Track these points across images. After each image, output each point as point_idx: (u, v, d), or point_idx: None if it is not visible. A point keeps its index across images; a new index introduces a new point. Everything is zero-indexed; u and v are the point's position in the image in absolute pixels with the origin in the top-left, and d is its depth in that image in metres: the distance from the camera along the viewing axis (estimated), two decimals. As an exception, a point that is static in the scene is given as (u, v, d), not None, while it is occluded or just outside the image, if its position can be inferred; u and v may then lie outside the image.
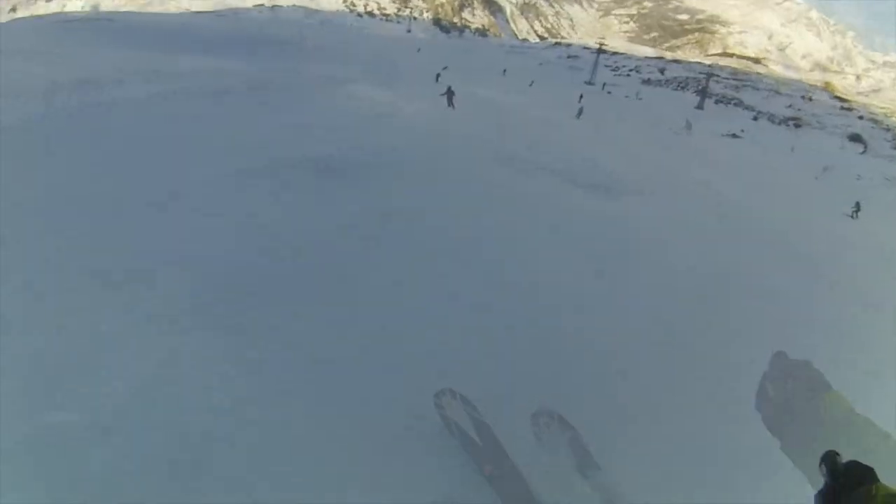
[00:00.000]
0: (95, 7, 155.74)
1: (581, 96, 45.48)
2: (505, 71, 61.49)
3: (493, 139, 16.00)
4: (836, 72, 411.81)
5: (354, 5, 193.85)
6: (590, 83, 69.55)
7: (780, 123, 64.59)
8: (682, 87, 75.55)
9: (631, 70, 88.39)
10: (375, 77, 29.50)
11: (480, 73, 54.67)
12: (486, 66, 65.10)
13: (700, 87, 73.90)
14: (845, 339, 7.13)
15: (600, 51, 78.45)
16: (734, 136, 47.33)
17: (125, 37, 33.08)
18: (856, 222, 22.33)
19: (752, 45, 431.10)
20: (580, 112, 34.20)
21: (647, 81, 78.30)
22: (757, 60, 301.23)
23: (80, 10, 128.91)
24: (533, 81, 55.61)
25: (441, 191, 9.68)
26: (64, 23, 35.46)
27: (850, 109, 77.50)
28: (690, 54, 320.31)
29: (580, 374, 4.96)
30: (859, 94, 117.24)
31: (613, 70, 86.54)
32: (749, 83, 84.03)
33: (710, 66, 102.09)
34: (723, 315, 7.02)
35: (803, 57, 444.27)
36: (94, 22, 39.70)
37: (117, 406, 3.58)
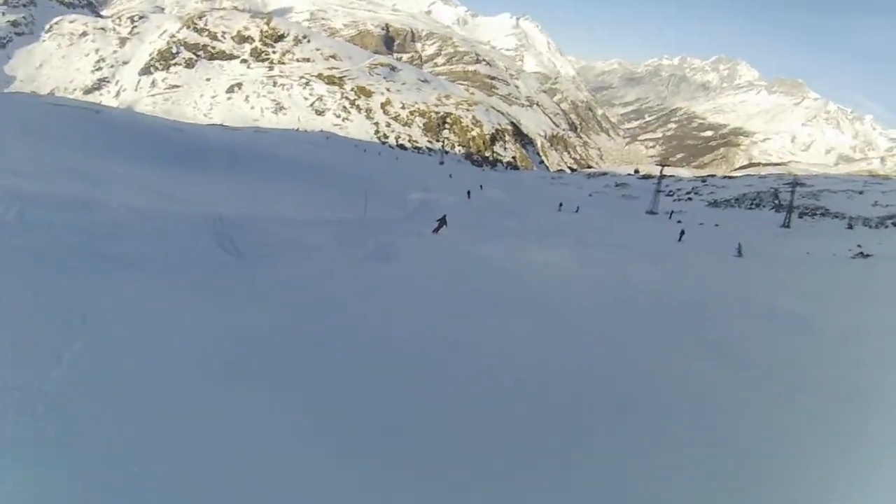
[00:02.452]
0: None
1: (682, 233, 40.15)
2: (561, 205, 54.99)
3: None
4: (860, 159, 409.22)
5: (386, 137, 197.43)
6: (652, 212, 62.49)
7: (877, 227, 55.59)
8: (757, 205, 67.64)
9: (688, 193, 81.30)
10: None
11: (539, 209, 49.26)
12: (538, 200, 59.60)
13: (777, 203, 66.21)
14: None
15: (662, 176, 71.91)
16: (863, 255, 38.58)
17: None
18: None
19: (775, 150, 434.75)
20: (739, 251, 33.35)
21: (713, 203, 70.64)
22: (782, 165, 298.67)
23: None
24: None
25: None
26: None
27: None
28: (717, 170, 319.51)
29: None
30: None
31: (668, 195, 79.60)
32: (824, 187, 75.65)
33: (764, 177, 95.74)
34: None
35: (827, 152, 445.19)
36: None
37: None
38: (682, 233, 39.72)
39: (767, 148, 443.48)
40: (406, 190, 42.36)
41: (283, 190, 33.43)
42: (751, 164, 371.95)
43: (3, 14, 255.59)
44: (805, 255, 37.02)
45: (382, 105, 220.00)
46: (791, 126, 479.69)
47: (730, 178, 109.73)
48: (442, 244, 20.91)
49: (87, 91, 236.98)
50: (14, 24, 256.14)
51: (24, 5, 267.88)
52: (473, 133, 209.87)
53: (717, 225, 54.19)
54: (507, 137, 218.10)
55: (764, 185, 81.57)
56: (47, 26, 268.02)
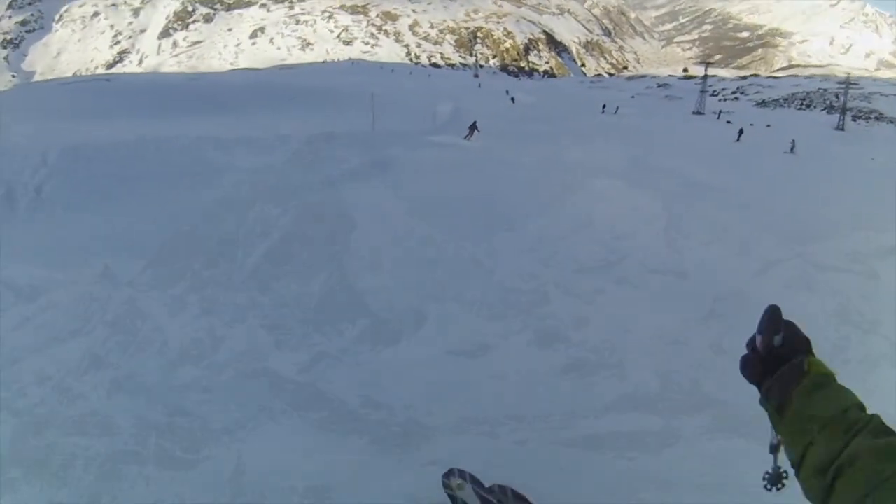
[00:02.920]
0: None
1: (741, 132, 38.20)
2: (604, 107, 53.58)
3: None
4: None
5: (418, 57, 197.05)
6: (699, 112, 61.01)
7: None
8: (808, 106, 65.57)
9: (734, 93, 79.06)
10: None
11: (580, 113, 47.73)
12: (579, 105, 57.77)
13: (829, 104, 64.09)
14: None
15: (706, 76, 69.55)
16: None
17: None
18: None
19: (814, 52, 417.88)
20: (792, 148, 32.77)
21: (762, 103, 68.68)
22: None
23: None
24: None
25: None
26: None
27: None
28: (758, 70, 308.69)
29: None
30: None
31: (713, 94, 77.46)
32: (874, 90, 72.67)
33: (811, 77, 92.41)
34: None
35: (867, 56, 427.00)
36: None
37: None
38: (741, 132, 38.24)
39: (806, 49, 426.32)
40: (435, 103, 40.20)
41: (292, 117, 29.73)
42: (791, 66, 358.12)
43: (11, 17, 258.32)
44: (870, 162, 35.57)
45: (410, 27, 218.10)
46: (828, 28, 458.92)
47: (774, 77, 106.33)
48: (468, 151, 18.65)
49: (109, 66, 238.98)
50: (23, 23, 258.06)
51: (30, 3, 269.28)
52: (506, 45, 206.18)
53: (768, 125, 52.83)
54: (540, 46, 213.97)
55: (812, 85, 78.94)
56: (57, 16, 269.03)
